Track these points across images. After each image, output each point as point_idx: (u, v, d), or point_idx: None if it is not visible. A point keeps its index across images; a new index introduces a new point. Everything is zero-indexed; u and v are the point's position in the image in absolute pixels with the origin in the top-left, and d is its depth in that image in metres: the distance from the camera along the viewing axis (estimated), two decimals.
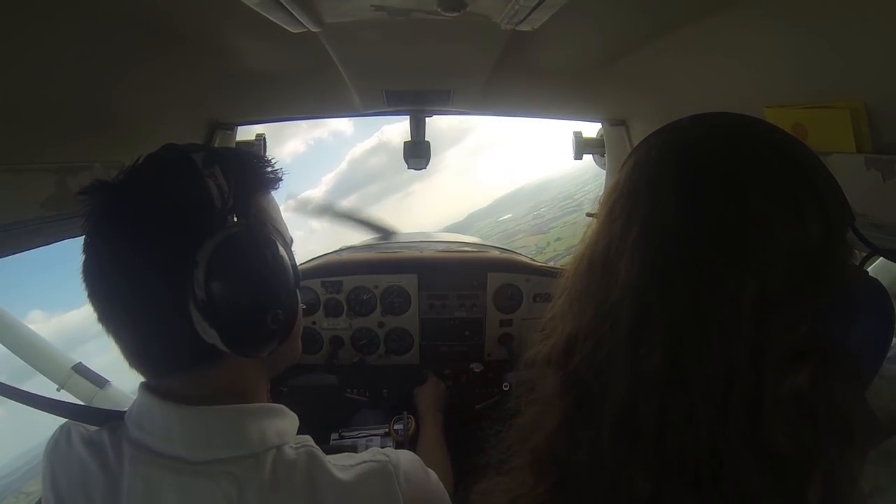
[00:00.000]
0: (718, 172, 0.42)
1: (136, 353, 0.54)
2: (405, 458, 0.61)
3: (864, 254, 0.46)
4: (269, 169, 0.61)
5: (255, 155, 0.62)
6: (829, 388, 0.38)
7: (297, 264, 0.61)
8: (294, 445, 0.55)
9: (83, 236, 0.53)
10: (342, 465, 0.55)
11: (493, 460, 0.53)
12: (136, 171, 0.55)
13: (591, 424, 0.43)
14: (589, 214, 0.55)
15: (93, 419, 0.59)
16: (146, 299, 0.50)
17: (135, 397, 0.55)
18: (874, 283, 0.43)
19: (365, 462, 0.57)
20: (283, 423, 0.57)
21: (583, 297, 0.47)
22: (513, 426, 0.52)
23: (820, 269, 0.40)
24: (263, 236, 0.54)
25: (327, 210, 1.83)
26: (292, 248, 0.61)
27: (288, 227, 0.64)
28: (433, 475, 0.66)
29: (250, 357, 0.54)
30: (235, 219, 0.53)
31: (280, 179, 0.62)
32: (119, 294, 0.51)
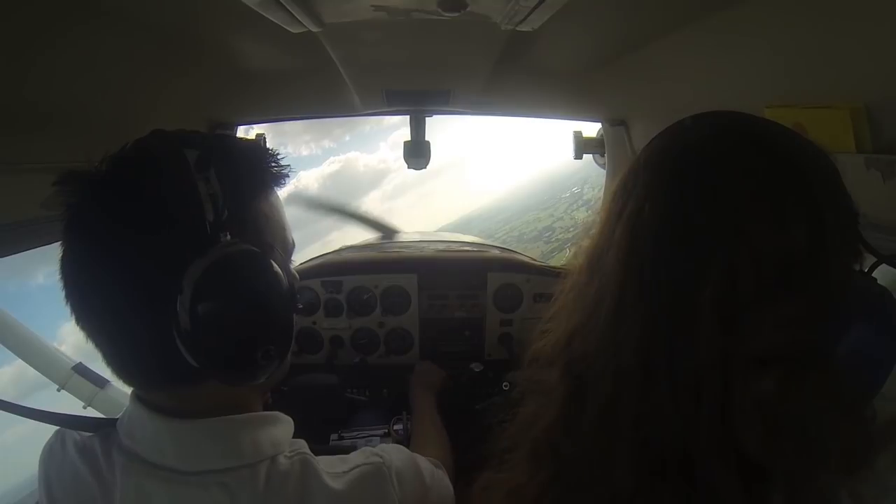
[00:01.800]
0: (694, 175, 0.43)
1: (116, 366, 0.50)
2: (398, 457, 0.59)
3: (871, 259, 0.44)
4: (274, 165, 0.55)
5: (257, 149, 0.56)
6: (799, 400, 0.37)
7: (294, 271, 0.57)
8: (288, 454, 0.53)
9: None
10: (335, 473, 0.53)
11: (496, 453, 0.53)
12: (120, 161, 0.48)
13: (581, 418, 0.44)
14: None
15: (84, 426, 0.56)
16: (124, 314, 0.46)
17: None
18: (881, 290, 0.41)
19: (358, 466, 0.55)
20: (277, 431, 0.55)
21: (580, 293, 0.48)
22: (516, 418, 0.52)
23: (800, 276, 0.39)
24: (259, 259, 0.48)
25: (322, 205, 1.80)
26: (293, 253, 0.58)
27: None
28: (427, 469, 0.65)
29: (239, 386, 0.51)
30: (229, 235, 0.46)
31: (286, 176, 0.56)
32: (94, 303, 0.47)
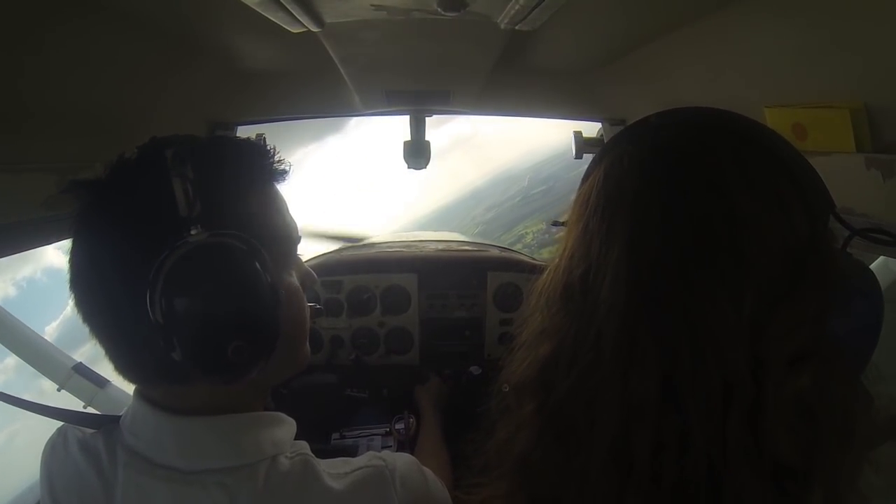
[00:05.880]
0: (699, 178, 0.40)
1: (116, 363, 0.51)
2: (402, 461, 0.59)
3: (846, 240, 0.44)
4: (268, 161, 0.54)
5: (248, 146, 0.55)
6: (830, 388, 0.37)
7: (310, 270, 0.59)
8: (289, 455, 0.53)
9: None
10: (336, 474, 0.53)
11: (479, 464, 0.51)
12: (118, 167, 0.50)
13: (579, 457, 0.41)
14: (556, 223, 0.52)
15: (88, 423, 0.57)
16: (116, 312, 0.47)
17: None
18: (858, 264, 0.42)
19: (360, 469, 0.55)
20: (279, 432, 0.55)
21: (560, 322, 0.44)
22: (491, 443, 0.50)
23: (812, 265, 0.38)
24: (226, 252, 0.46)
25: None
26: (295, 247, 0.58)
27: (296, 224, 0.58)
28: (431, 477, 0.65)
29: (229, 384, 0.48)
30: (200, 228, 0.46)
31: (285, 172, 0.56)
32: (91, 301, 0.49)
